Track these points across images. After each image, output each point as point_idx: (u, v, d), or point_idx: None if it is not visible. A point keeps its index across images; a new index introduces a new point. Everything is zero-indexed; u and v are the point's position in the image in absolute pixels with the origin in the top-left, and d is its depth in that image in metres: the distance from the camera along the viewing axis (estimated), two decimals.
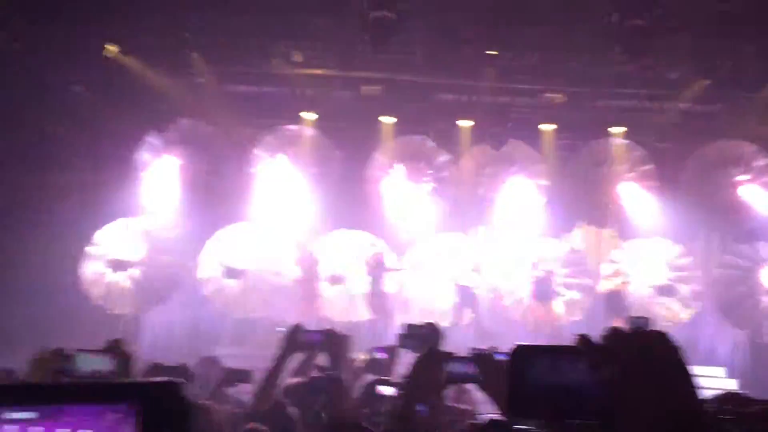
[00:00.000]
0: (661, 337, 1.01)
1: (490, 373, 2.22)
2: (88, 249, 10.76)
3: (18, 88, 9.36)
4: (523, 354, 1.05)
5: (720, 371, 10.54)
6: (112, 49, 9.92)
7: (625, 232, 12.04)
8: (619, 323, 9.95)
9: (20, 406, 0.76)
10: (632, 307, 11.22)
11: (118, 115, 10.66)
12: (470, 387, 3.78)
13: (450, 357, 2.31)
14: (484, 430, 2.14)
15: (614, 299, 10.28)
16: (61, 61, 9.87)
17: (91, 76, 10.29)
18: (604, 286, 10.48)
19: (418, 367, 2.21)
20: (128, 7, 9.26)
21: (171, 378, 0.80)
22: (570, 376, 1.01)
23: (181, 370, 3.71)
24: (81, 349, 2.84)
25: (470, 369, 2.26)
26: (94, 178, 10.47)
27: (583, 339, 1.02)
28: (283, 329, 3.76)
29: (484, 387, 2.28)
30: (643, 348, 0.99)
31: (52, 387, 0.80)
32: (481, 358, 2.31)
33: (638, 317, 7.50)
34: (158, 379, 0.82)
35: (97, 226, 10.84)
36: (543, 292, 10.35)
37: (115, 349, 3.30)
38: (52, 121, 10.07)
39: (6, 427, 0.76)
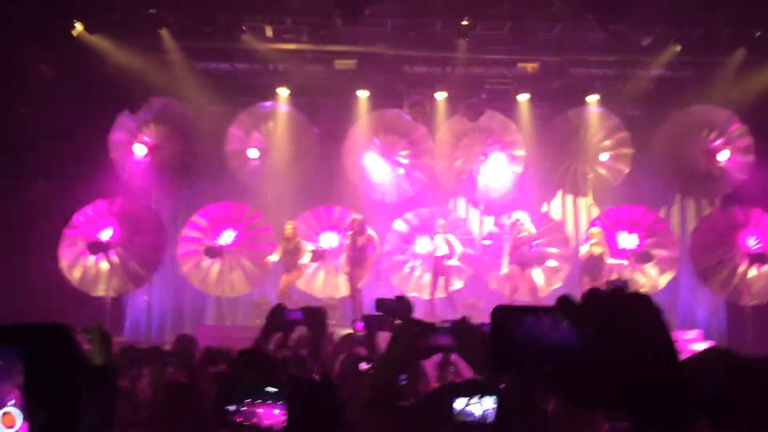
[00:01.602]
0: (641, 299, 1.02)
1: (467, 340, 2.24)
2: (65, 232, 10.64)
3: None
4: (504, 313, 1.06)
5: (697, 334, 10.76)
6: (78, 27, 9.73)
7: (601, 199, 12.16)
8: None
9: None
10: (610, 273, 11.37)
11: (88, 95, 10.47)
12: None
13: (428, 327, 2.33)
14: (458, 388, 2.16)
15: (591, 265, 10.38)
16: (26, 40, 9.65)
17: (58, 55, 10.09)
18: (582, 252, 10.57)
19: (395, 338, 2.22)
20: None
21: (59, 321, 0.77)
22: (551, 334, 1.01)
23: (155, 351, 3.71)
24: None
25: (448, 339, 2.28)
26: (67, 160, 10.31)
27: (564, 299, 1.03)
28: (265, 308, 3.78)
29: (461, 354, 2.29)
30: (622, 308, 1.00)
31: None
32: (458, 327, 2.33)
33: (616, 280, 7.57)
34: (45, 322, 0.79)
35: (74, 209, 10.71)
36: (520, 259, 10.41)
37: (96, 330, 3.28)
38: (21, 103, 9.88)
39: None
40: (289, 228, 10.59)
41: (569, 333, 0.99)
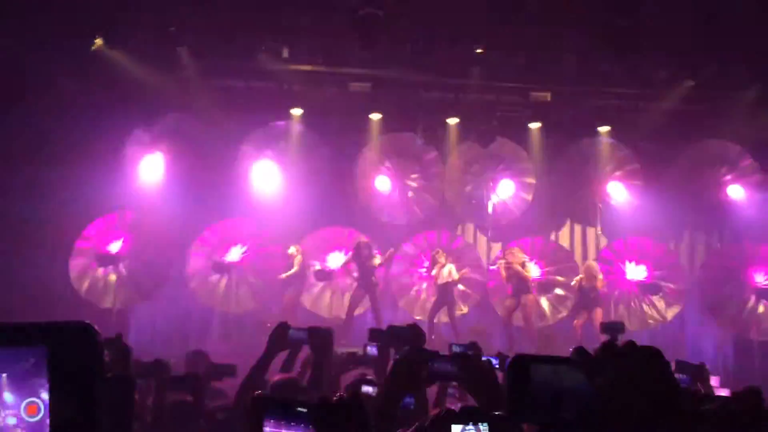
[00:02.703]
0: (653, 353, 1.06)
1: (471, 371, 2.26)
2: (77, 244, 10.72)
3: (3, 82, 9.30)
4: (522, 362, 1.09)
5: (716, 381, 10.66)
6: (98, 42, 9.88)
7: (610, 230, 12.15)
8: (596, 318, 10.09)
9: None
10: (618, 304, 11.34)
11: (105, 109, 10.61)
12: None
13: (431, 355, 2.35)
14: (454, 416, 2.18)
15: (587, 296, 10.38)
16: (47, 55, 9.80)
17: (77, 69, 10.23)
18: (581, 282, 10.55)
19: (399, 364, 2.24)
20: (115, 1, 9.23)
21: (82, 320, 0.81)
22: (568, 383, 1.04)
23: (160, 365, 3.72)
24: None
25: (451, 367, 2.30)
26: (81, 172, 10.41)
27: (580, 350, 1.07)
28: (270, 325, 3.79)
29: (464, 385, 2.31)
30: (636, 361, 1.03)
31: None
32: (462, 357, 2.35)
33: (613, 322, 7.57)
34: (69, 321, 0.82)
35: (85, 221, 10.79)
36: (522, 288, 10.42)
37: (116, 342, 3.33)
38: (38, 116, 10.00)
39: None
40: (292, 249, 10.72)
41: (585, 382, 1.03)
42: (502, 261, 10.70)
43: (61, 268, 10.53)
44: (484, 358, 2.35)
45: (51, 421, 0.75)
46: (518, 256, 10.57)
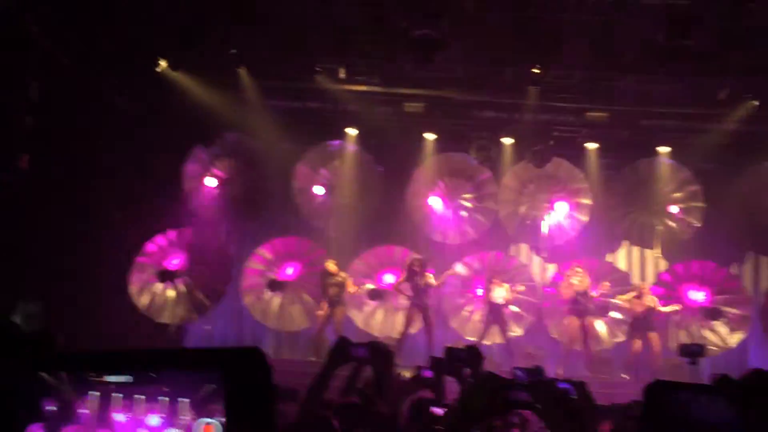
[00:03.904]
0: None
1: (548, 401, 2.20)
2: (137, 259, 11.00)
3: (70, 101, 9.65)
4: (659, 389, 1.05)
5: None
6: (162, 64, 10.19)
7: (670, 253, 11.86)
8: (651, 343, 9.84)
9: (117, 371, 0.82)
10: (678, 329, 11.05)
11: (165, 129, 10.93)
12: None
13: (507, 382, 2.30)
14: None
15: (644, 320, 10.14)
16: (111, 76, 10.16)
17: (140, 90, 10.57)
18: (636, 306, 10.31)
19: (472, 390, 2.20)
20: (177, 23, 9.50)
21: (256, 345, 0.85)
22: (708, 412, 1.00)
23: None
24: None
25: (526, 396, 2.24)
26: (143, 189, 10.71)
27: (724, 378, 1.02)
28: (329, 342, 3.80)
29: (541, 414, 2.26)
30: None
31: (145, 353, 0.84)
32: (540, 385, 2.30)
33: (692, 344, 7.24)
34: (240, 346, 0.87)
35: (146, 237, 11.09)
36: (581, 310, 10.24)
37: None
38: (103, 134, 10.34)
39: (108, 390, 0.82)
40: (331, 265, 10.66)
41: (727, 412, 0.98)
42: (575, 275, 10.46)
43: (121, 283, 10.80)
44: (560, 385, 2.30)
45: None
46: (584, 279, 10.40)
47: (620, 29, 9.14)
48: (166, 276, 10.94)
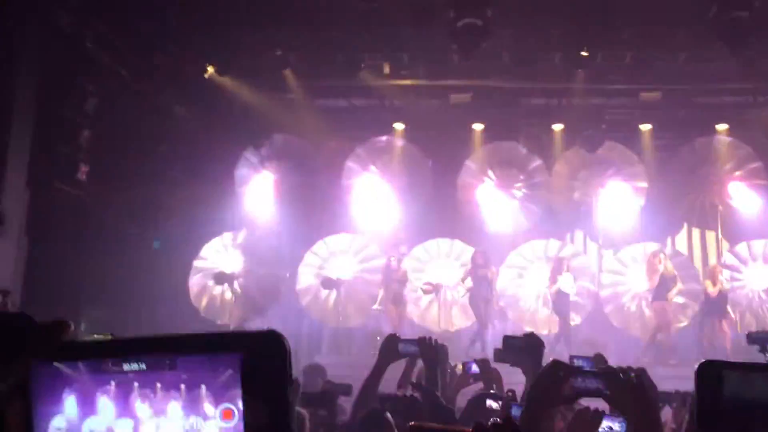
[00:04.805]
0: None
1: (619, 388, 2.14)
2: (195, 262, 11.24)
3: (126, 111, 9.90)
4: (712, 369, 1.01)
5: None
6: (209, 70, 10.36)
7: (732, 234, 11.46)
8: (723, 327, 9.54)
9: (134, 357, 0.82)
10: (743, 311, 10.69)
11: (216, 133, 11.12)
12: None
13: (575, 370, 2.24)
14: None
15: (716, 303, 9.82)
16: (164, 84, 10.38)
17: (191, 96, 10.76)
18: (709, 289, 10.00)
19: (541, 380, 2.16)
20: (223, 29, 9.64)
21: (272, 328, 0.84)
22: (761, 393, 0.97)
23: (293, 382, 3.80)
24: None
25: (596, 384, 2.19)
26: (197, 194, 10.91)
27: None
28: (380, 338, 3.80)
29: (611, 402, 2.20)
30: None
31: (161, 339, 0.84)
32: (610, 372, 2.24)
33: (763, 332, 6.96)
34: (260, 330, 0.86)
35: (203, 241, 11.32)
36: (659, 294, 9.99)
37: None
38: (158, 141, 10.58)
39: (127, 379, 0.82)
40: (393, 261, 10.74)
41: None
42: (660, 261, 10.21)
43: (181, 286, 11.04)
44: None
45: (245, 428, 0.79)
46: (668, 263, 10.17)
47: (670, 4, 8.86)
48: (223, 278, 11.13)
